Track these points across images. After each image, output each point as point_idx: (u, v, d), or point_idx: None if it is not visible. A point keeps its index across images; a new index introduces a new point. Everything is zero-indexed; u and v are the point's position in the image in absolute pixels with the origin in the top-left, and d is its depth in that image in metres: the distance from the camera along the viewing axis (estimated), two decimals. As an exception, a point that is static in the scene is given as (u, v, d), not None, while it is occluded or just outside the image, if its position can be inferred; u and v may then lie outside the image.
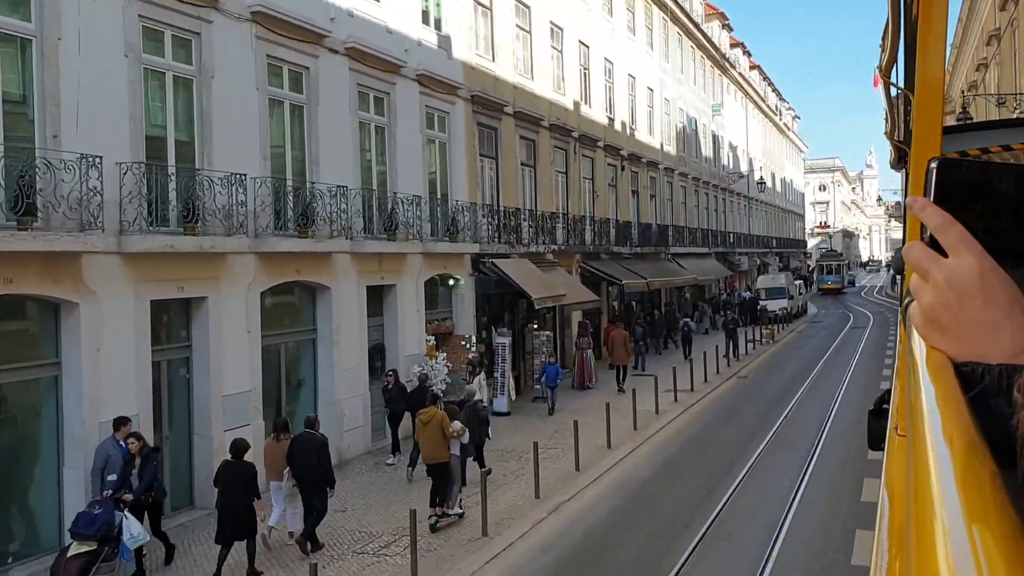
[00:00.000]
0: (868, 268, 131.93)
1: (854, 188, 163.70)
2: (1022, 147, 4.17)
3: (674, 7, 42.76)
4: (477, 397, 16.10)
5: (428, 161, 20.26)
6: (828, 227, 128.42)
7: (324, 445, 12.60)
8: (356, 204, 16.97)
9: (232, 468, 11.68)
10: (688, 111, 46.41)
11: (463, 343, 21.21)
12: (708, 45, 50.40)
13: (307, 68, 16.17)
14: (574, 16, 29.76)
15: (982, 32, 36.73)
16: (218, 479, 11.74)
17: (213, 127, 13.74)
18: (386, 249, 17.72)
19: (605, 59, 33.11)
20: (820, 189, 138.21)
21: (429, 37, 20.32)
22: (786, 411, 20.40)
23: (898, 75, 3.40)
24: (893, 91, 4.02)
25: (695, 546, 11.27)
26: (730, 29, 59.28)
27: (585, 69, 30.97)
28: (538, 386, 23.00)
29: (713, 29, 53.33)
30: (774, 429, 18.39)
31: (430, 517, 12.60)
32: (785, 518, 12.34)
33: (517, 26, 25.49)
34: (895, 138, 4.65)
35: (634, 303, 37.16)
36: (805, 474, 14.61)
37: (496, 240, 22.81)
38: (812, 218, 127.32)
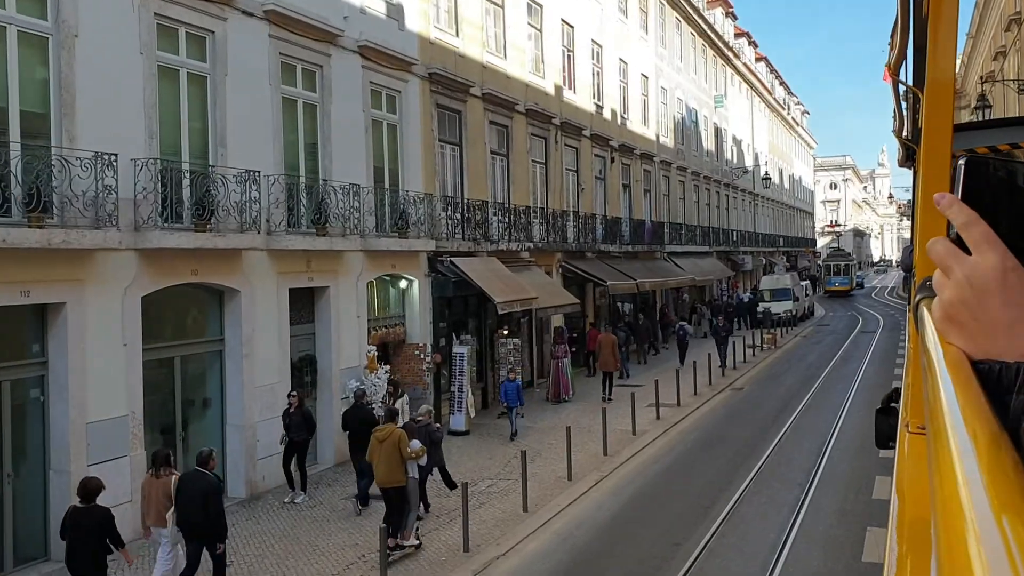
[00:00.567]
0: (876, 268, 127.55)
1: (865, 187, 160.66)
2: None
3: (672, -10, 40.20)
4: (419, 415, 13.58)
5: (373, 145, 17.78)
6: (839, 226, 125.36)
7: (214, 490, 10.23)
8: (276, 192, 14.50)
9: (80, 514, 9.38)
10: (688, 102, 43.80)
11: (417, 352, 18.75)
12: (710, 33, 47.73)
13: (212, 32, 13.71)
14: (556, -8, 27.25)
15: (1001, 18, 34.22)
16: (64, 528, 9.46)
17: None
18: (315, 246, 15.25)
19: (592, 41, 30.55)
20: (831, 187, 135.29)
21: (376, 4, 17.84)
22: (780, 434, 17.84)
23: (907, 72, 3.24)
24: (902, 89, 3.90)
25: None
26: (734, 17, 56.60)
27: (569, 51, 28.43)
28: (503, 400, 20.48)
29: (716, 16, 50.64)
30: (764, 458, 15.84)
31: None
32: (767, 585, 9.85)
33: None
34: (903, 136, 4.56)
35: (625, 305, 34.65)
36: (795, 522, 12.07)
37: (459, 236, 20.33)
38: (823, 217, 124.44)
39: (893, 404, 3.94)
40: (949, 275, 0.88)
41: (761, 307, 43.11)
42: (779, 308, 42.71)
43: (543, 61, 26.17)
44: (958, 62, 50.40)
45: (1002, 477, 0.60)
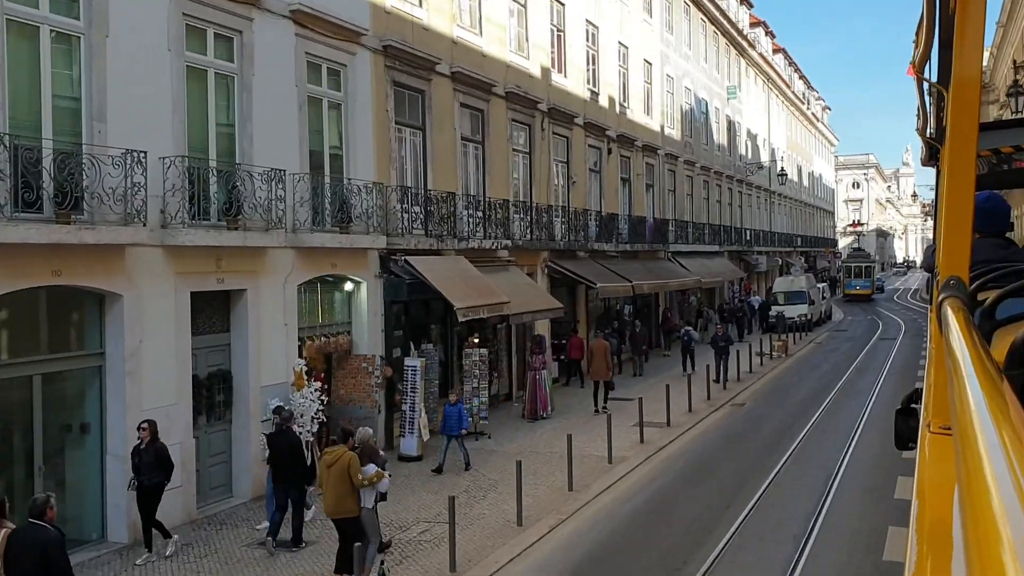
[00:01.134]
0: (895, 270, 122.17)
1: (889, 186, 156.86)
2: None
3: (680, -29, 37.62)
4: (356, 443, 11.24)
5: (310, 126, 15.41)
6: (861, 225, 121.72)
7: (55, 544, 8.02)
8: (173, 178, 12.16)
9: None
10: (697, 92, 41.16)
11: (364, 365, 16.39)
12: (723, 20, 45.03)
13: (88, -16, 11.42)
14: (544, -35, 24.77)
15: (1036, 3, 31.43)
16: None
17: None
18: (224, 241, 12.90)
19: (588, 22, 28.04)
20: (853, 186, 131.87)
21: (315, -36, 15.47)
22: (780, 465, 15.30)
23: (931, 70, 3.11)
24: (926, 86, 3.74)
25: None
26: (749, 5, 53.79)
27: (559, 31, 25.95)
28: (468, 419, 18.07)
29: (730, 3, 47.88)
30: (757, 497, 13.33)
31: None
32: None
33: (460, -32, 20.56)
34: (927, 134, 4.31)
35: (627, 309, 32.15)
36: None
37: (421, 232, 17.95)
38: (845, 216, 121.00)
39: (914, 405, 3.75)
40: None
41: (774, 311, 40.43)
42: (793, 312, 39.99)
43: (527, 40, 23.70)
44: (987, 54, 47.50)
45: None
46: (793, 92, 66.18)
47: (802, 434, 17.87)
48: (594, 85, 28.48)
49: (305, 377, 14.32)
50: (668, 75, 36.67)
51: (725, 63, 47.12)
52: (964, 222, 2.04)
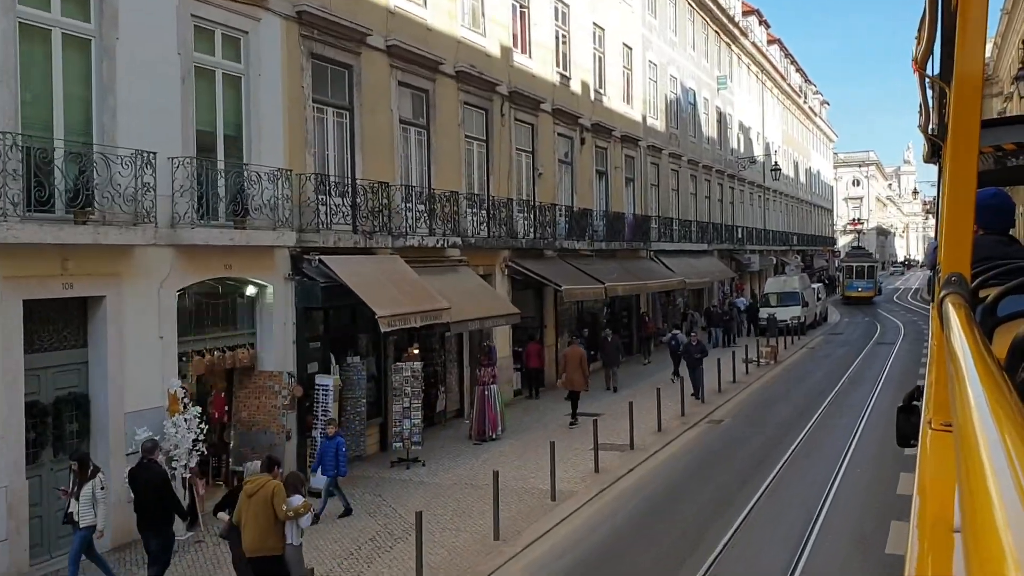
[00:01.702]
0: (892, 269, 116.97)
1: (890, 184, 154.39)
2: None
3: (664, -50, 35.23)
4: (247, 479, 8.99)
5: (199, 102, 13.05)
6: (861, 224, 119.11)
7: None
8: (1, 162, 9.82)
9: None
10: (684, 81, 38.78)
11: (270, 384, 14.04)
12: (712, 6, 42.62)
13: None
14: (504, -67, 22.40)
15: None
16: None
17: None
18: (71, 238, 10.56)
19: (557, -1, 25.70)
20: (853, 184, 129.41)
21: (205, -89, 13.11)
22: (753, 502, 12.94)
23: (934, 66, 3.01)
24: (928, 83, 3.65)
25: None
26: (743, -9, 51.38)
27: (522, 7, 23.57)
28: (398, 444, 15.75)
29: (721, -12, 45.48)
30: (722, 547, 10.97)
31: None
32: None
33: (400, -70, 18.18)
34: (929, 131, 4.10)
35: (607, 311, 29.82)
36: None
37: (346, 227, 15.62)
38: (845, 214, 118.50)
39: (915, 402, 3.65)
40: None
41: (765, 313, 38.05)
42: (785, 314, 37.59)
43: (483, 15, 21.33)
44: (990, 45, 45.14)
45: None
46: (789, 85, 63.77)
47: (783, 460, 15.49)
48: (564, 68, 26.10)
49: (182, 401, 11.96)
50: (651, 61, 34.29)
51: (715, 51, 44.72)
52: (966, 219, 2.03)
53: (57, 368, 11.11)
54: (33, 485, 10.62)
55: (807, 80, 74.90)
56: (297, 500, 9.13)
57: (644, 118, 33.22)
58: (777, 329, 35.40)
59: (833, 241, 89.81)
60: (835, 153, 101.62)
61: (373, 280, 15.11)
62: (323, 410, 13.99)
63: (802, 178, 70.11)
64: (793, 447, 16.59)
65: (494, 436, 17.65)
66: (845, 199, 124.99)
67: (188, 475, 11.76)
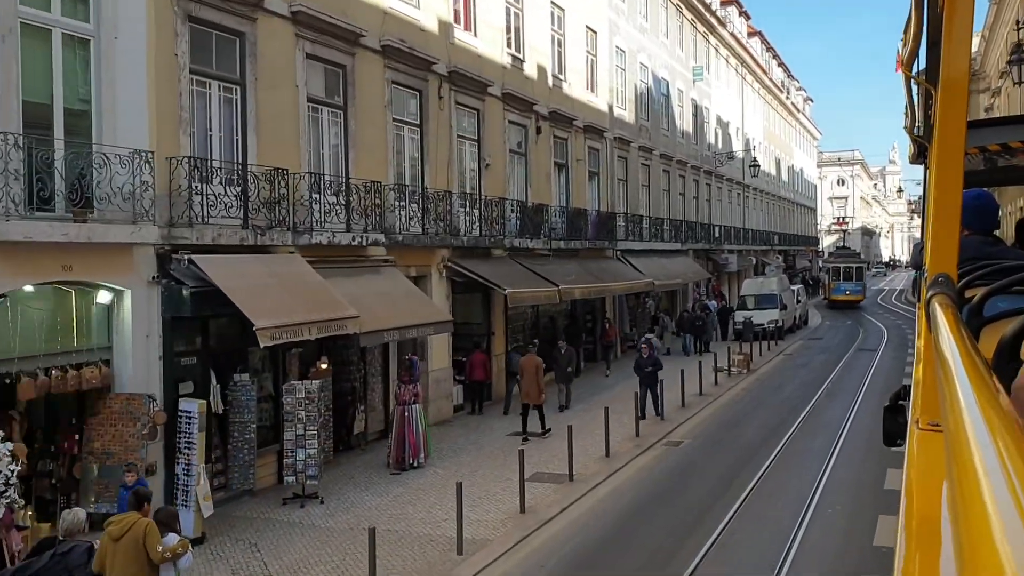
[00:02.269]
0: (875, 270, 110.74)
1: (875, 184, 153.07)
2: None
3: (633, -71, 32.94)
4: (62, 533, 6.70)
5: (26, 67, 10.64)
6: (846, 223, 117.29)
7: None
8: None
9: None
10: (656, 70, 36.53)
11: (129, 408, 11.66)
12: (688, -9, 40.41)
13: None
14: None
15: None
16: None
17: None
18: None
19: (508, -27, 23.36)
20: (838, 183, 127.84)
21: None
22: (701, 555, 10.63)
23: (919, 68, 3.15)
24: (914, 84, 3.82)
25: None
26: (721, -21, 49.20)
27: (465, -22, 21.25)
28: (290, 478, 13.36)
29: (697, -25, 43.28)
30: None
31: None
32: None
33: None
34: (915, 132, 4.31)
35: (565, 316, 27.57)
36: None
37: (238, 222, 13.25)
38: (830, 214, 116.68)
39: (902, 402, 3.85)
40: None
41: (741, 316, 35.92)
42: (763, 318, 35.49)
43: (416, -16, 18.99)
44: (976, 39, 43.18)
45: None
46: (771, 79, 61.68)
47: (746, 492, 13.22)
48: (517, 50, 23.78)
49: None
50: (618, 48, 32.00)
51: (691, 41, 42.51)
52: (952, 219, 2.04)
53: None
54: None
55: (790, 75, 72.90)
56: (173, 539, 8.05)
57: (611, 108, 30.94)
58: (753, 333, 33.30)
59: (816, 241, 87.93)
60: (820, 152, 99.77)
61: (258, 284, 12.73)
62: (187, 441, 11.61)
63: (784, 176, 68.07)
64: (759, 475, 14.33)
65: (415, 464, 15.30)
66: (830, 198, 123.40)
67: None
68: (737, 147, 50.07)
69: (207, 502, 11.49)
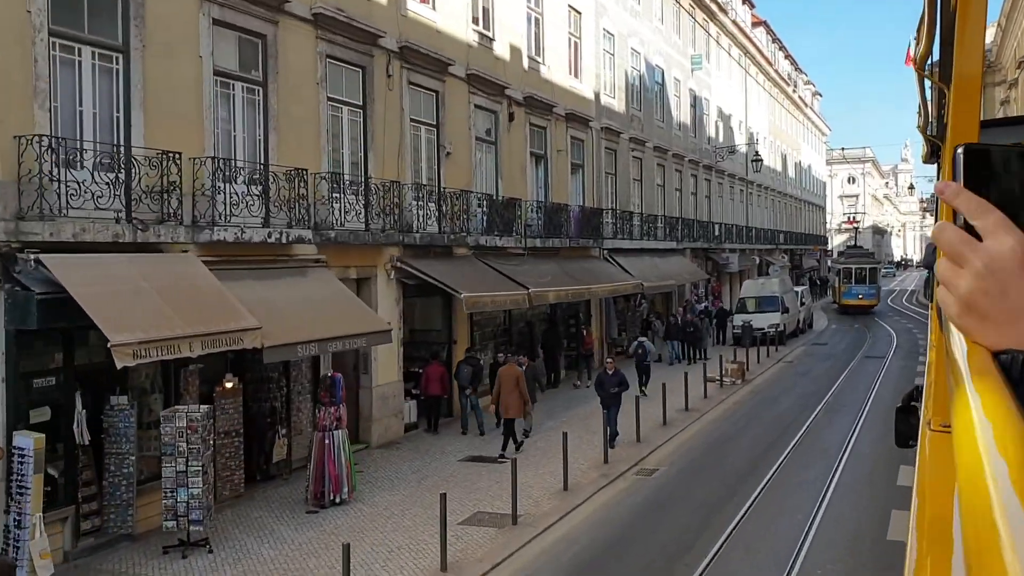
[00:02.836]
0: (884, 270, 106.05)
1: (887, 183, 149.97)
2: None
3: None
4: None
5: None
6: (857, 222, 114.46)
7: None
8: None
9: None
10: (650, 57, 34.18)
11: (-45, 440, 9.43)
12: (685, -26, 38.06)
13: None
14: None
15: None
16: None
17: None
18: None
19: (474, -59, 21.06)
20: (849, 181, 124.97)
21: None
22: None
23: (933, 68, 3.31)
24: (927, 84, 3.92)
25: None
26: (723, -37, 46.67)
27: (421, -56, 18.95)
28: (170, 523, 11.09)
29: (696, -42, 40.90)
30: None
31: None
32: None
33: None
34: (928, 132, 4.25)
35: (543, 321, 25.34)
36: None
37: (111, 216, 11.03)
38: (840, 213, 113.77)
39: (914, 403, 3.82)
40: (963, 263, 0.84)
41: (739, 320, 33.55)
42: (763, 322, 33.09)
43: (358, -54, 16.72)
44: (992, 29, 40.79)
45: None
46: (776, 72, 59.18)
47: (716, 548, 10.90)
48: (485, 27, 21.49)
49: None
50: (607, 31, 29.67)
51: (689, 28, 40.12)
52: None
53: None
54: None
55: (797, 68, 70.36)
56: None
57: (597, 96, 28.63)
58: (753, 338, 30.97)
59: (825, 240, 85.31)
60: (831, 149, 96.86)
61: (125, 289, 10.50)
62: (19, 485, 9.39)
63: (791, 172, 65.57)
64: (741, 515, 12.03)
65: (337, 500, 13.04)
66: (840, 197, 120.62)
67: None
68: (740, 141, 47.64)
69: (45, 560, 9.28)
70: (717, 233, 42.27)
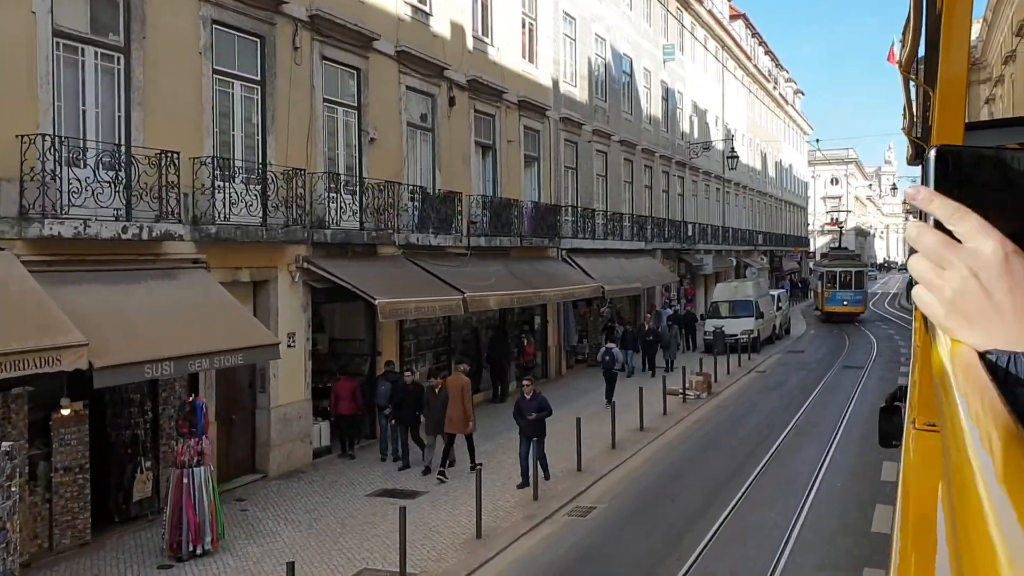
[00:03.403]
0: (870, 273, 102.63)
1: (871, 185, 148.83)
2: None
3: None
4: None
5: None
6: (842, 223, 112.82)
7: None
8: None
9: None
10: (617, 44, 32.01)
11: None
12: (657, -41, 35.90)
13: None
14: None
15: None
16: None
17: None
18: None
19: (407, -97, 18.77)
20: (832, 183, 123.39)
21: None
22: None
23: (918, 70, 3.34)
24: (913, 86, 3.94)
25: None
26: (698, -50, 44.56)
27: (339, -100, 16.64)
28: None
29: (669, -57, 38.74)
30: None
31: None
32: None
33: None
34: (913, 134, 4.37)
35: (487, 329, 23.15)
36: None
37: None
38: (823, 214, 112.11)
39: (897, 403, 3.90)
40: (946, 266, 0.85)
41: (711, 326, 31.47)
42: (736, 328, 31.03)
43: None
44: (978, 25, 39.14)
45: (1019, 474, 0.60)
46: (756, 67, 57.17)
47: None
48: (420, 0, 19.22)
49: None
50: (567, 13, 27.45)
51: (661, 16, 37.99)
52: None
53: None
54: None
55: (778, 65, 68.43)
56: None
57: (556, 83, 26.42)
58: (725, 345, 28.89)
59: (807, 241, 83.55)
60: (814, 150, 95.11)
61: None
62: None
63: (771, 171, 63.64)
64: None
65: (198, 551, 10.73)
66: (823, 198, 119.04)
67: None
68: (716, 137, 45.57)
69: None
70: (690, 233, 40.18)
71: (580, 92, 28.43)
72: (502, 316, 23.32)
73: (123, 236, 11.23)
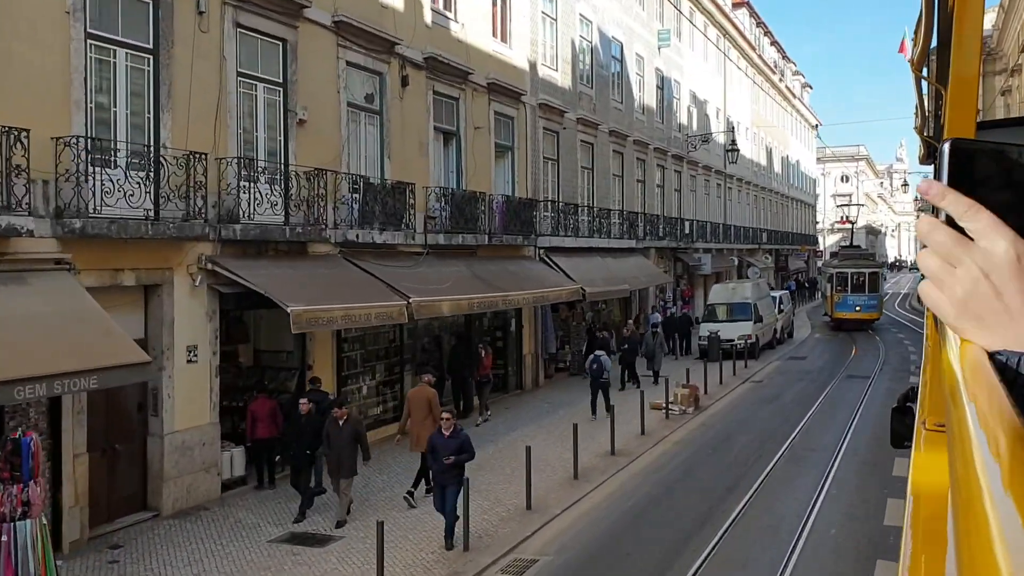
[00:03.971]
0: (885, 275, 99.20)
1: (882, 183, 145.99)
2: None
3: None
4: None
5: None
6: (853, 221, 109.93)
7: None
8: None
9: None
10: (605, 27, 29.72)
11: None
12: (651, -63, 33.55)
13: None
14: None
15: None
16: None
17: None
18: None
19: None
20: (842, 180, 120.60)
21: None
22: None
23: (930, 69, 3.24)
24: (925, 85, 3.89)
25: None
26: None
27: None
28: None
29: (666, -78, 36.39)
30: None
31: None
32: None
33: None
34: (925, 133, 4.33)
35: (450, 337, 21.00)
36: None
37: None
38: (833, 212, 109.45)
39: (909, 404, 3.86)
40: (957, 264, 0.83)
41: (706, 330, 29.22)
42: (732, 332, 28.74)
43: None
44: (992, 15, 36.84)
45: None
46: (761, 57, 54.73)
47: None
48: (365, -34, 16.99)
49: None
50: (547, -9, 25.18)
51: (655, 1, 35.62)
52: None
53: None
54: None
55: (785, 56, 65.93)
56: None
57: (533, 66, 24.16)
58: (720, 352, 26.65)
59: (815, 239, 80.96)
60: (824, 147, 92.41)
61: None
62: None
63: (777, 167, 61.17)
64: None
65: (20, 625, 8.53)
66: (833, 196, 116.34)
67: None
68: (717, 130, 43.20)
69: None
70: (688, 231, 37.84)
71: (562, 77, 26.16)
72: (468, 322, 21.11)
73: (-56, 231, 9.07)
